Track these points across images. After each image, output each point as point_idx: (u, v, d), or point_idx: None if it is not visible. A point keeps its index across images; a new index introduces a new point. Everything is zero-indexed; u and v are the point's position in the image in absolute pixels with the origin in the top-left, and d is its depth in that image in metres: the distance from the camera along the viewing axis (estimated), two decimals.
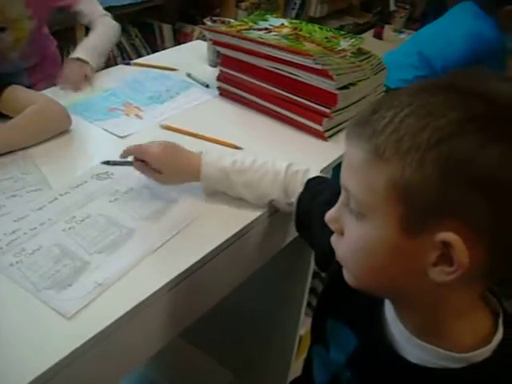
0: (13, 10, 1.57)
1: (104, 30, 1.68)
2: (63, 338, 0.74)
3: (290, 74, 1.28)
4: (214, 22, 1.65)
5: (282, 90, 1.31)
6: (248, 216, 1.01)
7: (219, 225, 0.99)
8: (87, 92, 1.45)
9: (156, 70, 1.61)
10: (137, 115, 1.35)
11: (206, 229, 0.97)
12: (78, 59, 1.52)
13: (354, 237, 0.61)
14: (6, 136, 1.12)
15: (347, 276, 0.65)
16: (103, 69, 1.61)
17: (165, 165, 1.01)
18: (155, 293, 0.83)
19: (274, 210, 1.05)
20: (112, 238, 0.92)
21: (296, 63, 1.24)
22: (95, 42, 1.63)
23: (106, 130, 1.26)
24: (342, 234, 0.63)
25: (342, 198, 0.63)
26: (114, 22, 1.73)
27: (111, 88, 1.49)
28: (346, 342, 0.73)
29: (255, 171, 0.99)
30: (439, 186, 0.51)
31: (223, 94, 1.47)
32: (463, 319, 0.60)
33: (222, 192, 1.03)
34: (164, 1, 2.59)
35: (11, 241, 0.89)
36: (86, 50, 1.56)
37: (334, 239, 0.66)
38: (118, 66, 1.69)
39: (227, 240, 0.96)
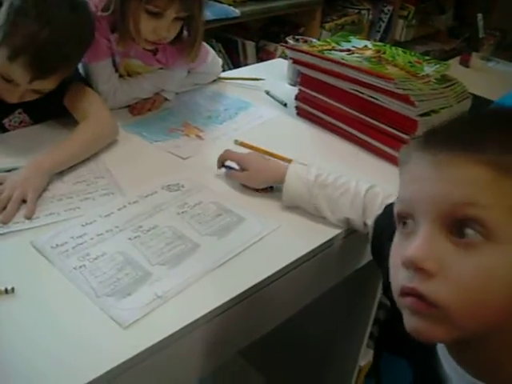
0: None
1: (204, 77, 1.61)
2: (117, 347, 0.74)
3: (370, 97, 1.24)
4: (297, 40, 1.64)
5: (361, 113, 1.28)
6: (321, 236, 1.00)
7: (287, 245, 0.97)
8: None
9: (210, 88, 1.60)
10: (197, 136, 1.33)
11: (274, 248, 0.95)
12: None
13: (470, 270, 0.51)
14: (59, 158, 1.11)
15: (441, 329, 0.53)
16: None
17: (253, 162, 1.09)
18: (213, 310, 0.81)
19: (350, 231, 1.02)
20: (176, 250, 0.91)
21: (377, 86, 1.21)
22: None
23: (169, 152, 1.23)
24: (434, 273, 0.52)
25: (435, 228, 0.53)
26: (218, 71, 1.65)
27: (168, 107, 1.46)
28: (404, 376, 0.70)
29: (337, 188, 0.99)
30: None
31: (301, 113, 1.45)
32: None
33: (297, 206, 1.03)
34: (249, 18, 2.61)
35: (77, 244, 0.90)
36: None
37: (420, 282, 0.53)
38: None
39: (295, 261, 0.94)
